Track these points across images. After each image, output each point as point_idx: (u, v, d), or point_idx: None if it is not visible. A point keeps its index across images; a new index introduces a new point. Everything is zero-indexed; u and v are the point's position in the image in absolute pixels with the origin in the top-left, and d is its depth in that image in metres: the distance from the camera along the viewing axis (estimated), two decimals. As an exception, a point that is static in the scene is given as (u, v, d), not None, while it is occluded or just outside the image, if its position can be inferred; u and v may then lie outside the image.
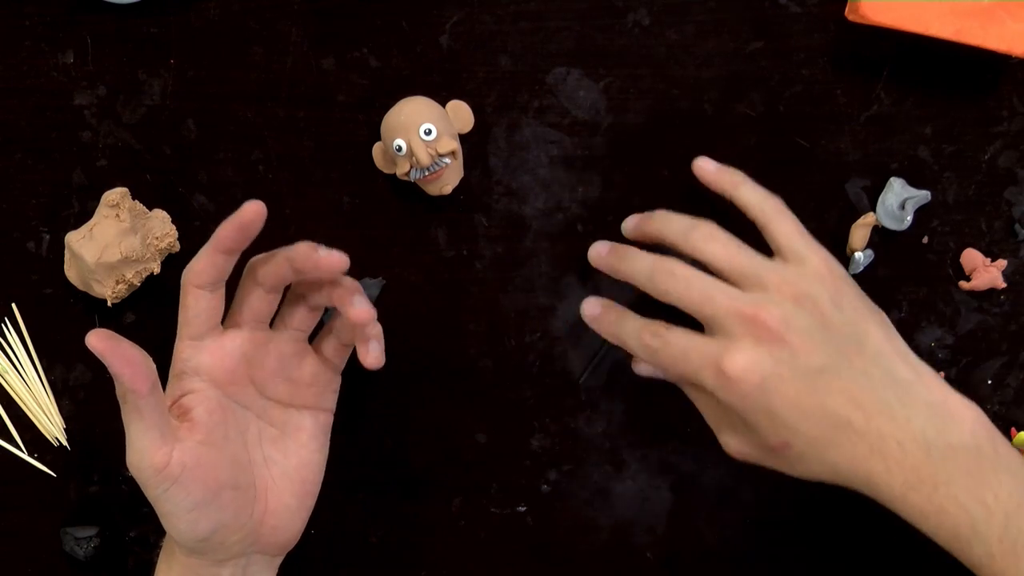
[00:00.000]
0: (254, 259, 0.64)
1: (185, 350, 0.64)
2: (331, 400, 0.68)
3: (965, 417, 0.60)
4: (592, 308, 0.67)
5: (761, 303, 0.60)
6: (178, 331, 0.64)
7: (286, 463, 0.66)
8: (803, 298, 0.61)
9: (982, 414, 0.60)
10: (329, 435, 0.68)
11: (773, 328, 0.59)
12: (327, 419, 0.68)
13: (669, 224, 0.66)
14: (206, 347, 0.64)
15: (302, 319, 0.66)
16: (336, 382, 0.68)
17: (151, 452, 0.60)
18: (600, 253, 0.68)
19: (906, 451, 0.58)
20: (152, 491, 0.61)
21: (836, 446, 0.59)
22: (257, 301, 0.64)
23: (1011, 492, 0.58)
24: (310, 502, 0.68)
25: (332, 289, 0.64)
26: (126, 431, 0.60)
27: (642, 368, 0.68)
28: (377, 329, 0.64)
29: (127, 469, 0.72)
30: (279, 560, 0.68)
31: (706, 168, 0.67)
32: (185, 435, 0.61)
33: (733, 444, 0.63)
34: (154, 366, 0.59)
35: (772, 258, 0.64)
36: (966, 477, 0.58)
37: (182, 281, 0.63)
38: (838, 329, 0.61)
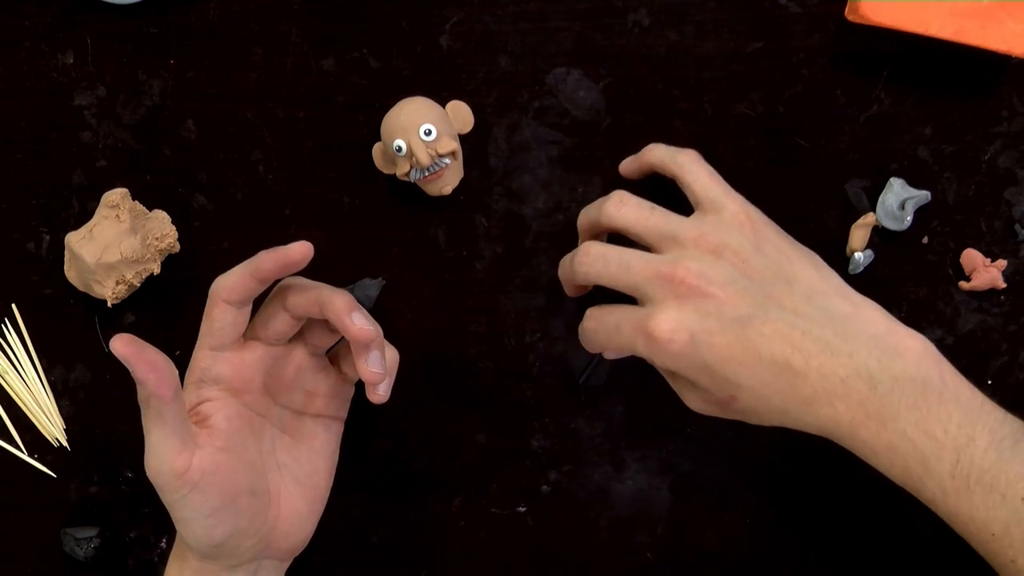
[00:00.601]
0: (286, 283, 0.64)
1: (205, 359, 0.64)
2: (344, 409, 0.69)
3: (910, 348, 0.58)
4: (584, 320, 0.66)
5: (678, 260, 0.60)
6: (199, 339, 0.64)
7: (299, 469, 0.67)
8: (722, 248, 0.60)
9: (929, 344, 0.59)
10: (339, 442, 0.69)
11: (692, 284, 0.59)
12: (339, 427, 0.69)
13: (589, 208, 0.66)
14: (226, 358, 0.64)
15: (321, 338, 0.66)
16: (350, 393, 0.69)
17: (172, 457, 0.60)
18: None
19: (850, 387, 0.56)
20: (170, 496, 0.61)
21: (779, 392, 0.57)
22: (281, 324, 0.64)
23: (960, 424, 0.56)
24: (320, 507, 0.68)
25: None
26: (146, 436, 0.60)
27: (611, 353, 0.68)
28: (388, 367, 0.64)
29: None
30: (287, 564, 0.68)
31: (626, 166, 0.70)
32: (204, 441, 0.62)
33: (692, 402, 0.62)
34: (176, 372, 0.59)
35: (691, 216, 0.63)
36: (913, 410, 0.56)
37: (211, 292, 0.63)
38: (762, 274, 0.60)
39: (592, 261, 0.62)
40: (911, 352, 0.58)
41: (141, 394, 0.59)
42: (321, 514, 0.68)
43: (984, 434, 0.56)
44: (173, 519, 0.62)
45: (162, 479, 0.60)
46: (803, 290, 0.60)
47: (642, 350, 0.60)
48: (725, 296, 0.58)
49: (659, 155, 0.67)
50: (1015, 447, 0.56)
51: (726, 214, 0.62)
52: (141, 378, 0.58)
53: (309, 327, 0.66)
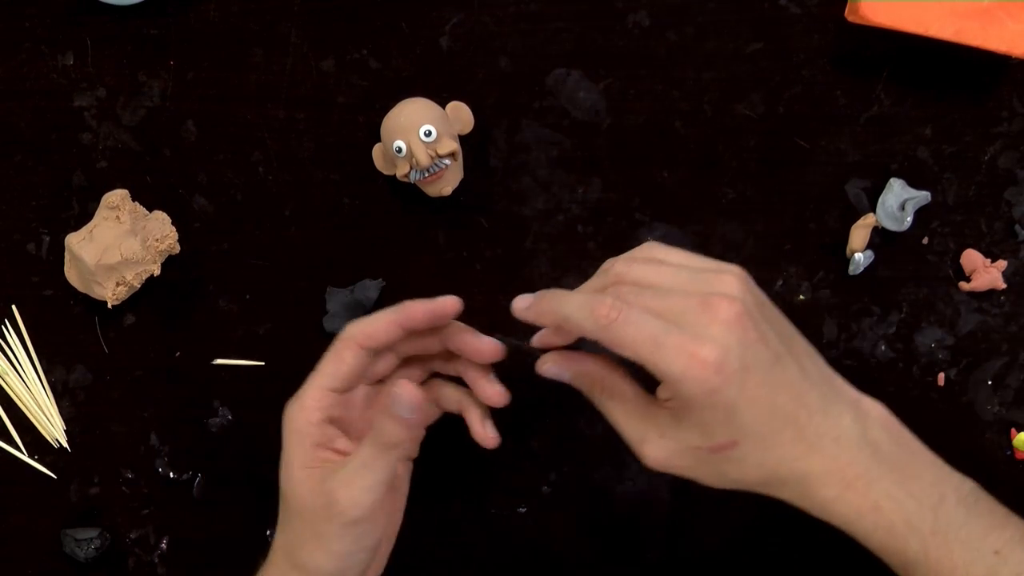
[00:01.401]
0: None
1: (326, 397, 0.63)
2: (416, 450, 0.68)
3: (877, 413, 0.59)
4: (523, 300, 0.61)
5: (716, 291, 0.57)
6: (316, 378, 0.63)
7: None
8: (744, 289, 0.58)
9: (886, 409, 0.60)
10: (409, 479, 0.68)
11: (737, 312, 0.56)
12: (410, 465, 0.68)
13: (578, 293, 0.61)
14: (341, 399, 0.63)
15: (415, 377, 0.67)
16: (421, 434, 0.68)
17: (380, 490, 0.60)
18: (522, 307, 0.62)
19: (841, 448, 0.57)
20: (351, 528, 0.60)
21: (778, 445, 0.57)
22: (385, 363, 0.65)
23: (932, 484, 0.58)
24: (393, 542, 0.67)
25: (469, 370, 0.64)
26: (362, 467, 0.60)
27: (549, 368, 0.62)
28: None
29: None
30: None
31: (517, 308, 0.62)
32: None
33: (657, 452, 0.58)
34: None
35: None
36: (893, 472, 0.57)
37: (345, 335, 0.62)
38: (774, 321, 0.59)
39: (628, 291, 0.58)
40: (879, 417, 0.59)
41: (392, 434, 0.59)
42: (392, 548, 0.67)
43: (951, 492, 0.58)
44: (319, 551, 0.61)
45: (362, 512, 0.60)
46: (801, 347, 0.60)
47: (676, 371, 0.55)
48: (757, 335, 0.56)
49: (567, 313, 0.59)
50: (977, 504, 0.58)
51: (728, 273, 0.59)
52: (410, 422, 0.59)
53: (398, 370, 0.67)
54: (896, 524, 0.57)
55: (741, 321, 0.56)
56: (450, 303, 0.62)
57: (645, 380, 0.59)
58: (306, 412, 0.62)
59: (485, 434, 0.64)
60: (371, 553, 0.63)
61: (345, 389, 0.63)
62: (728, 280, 0.58)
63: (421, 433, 0.67)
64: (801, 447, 0.57)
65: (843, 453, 0.57)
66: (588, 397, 0.62)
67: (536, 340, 0.63)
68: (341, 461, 0.62)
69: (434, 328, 0.64)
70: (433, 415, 0.67)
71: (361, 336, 0.62)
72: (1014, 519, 0.59)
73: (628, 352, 0.56)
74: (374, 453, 0.60)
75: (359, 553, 0.62)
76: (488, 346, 0.63)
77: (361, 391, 0.66)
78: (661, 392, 0.59)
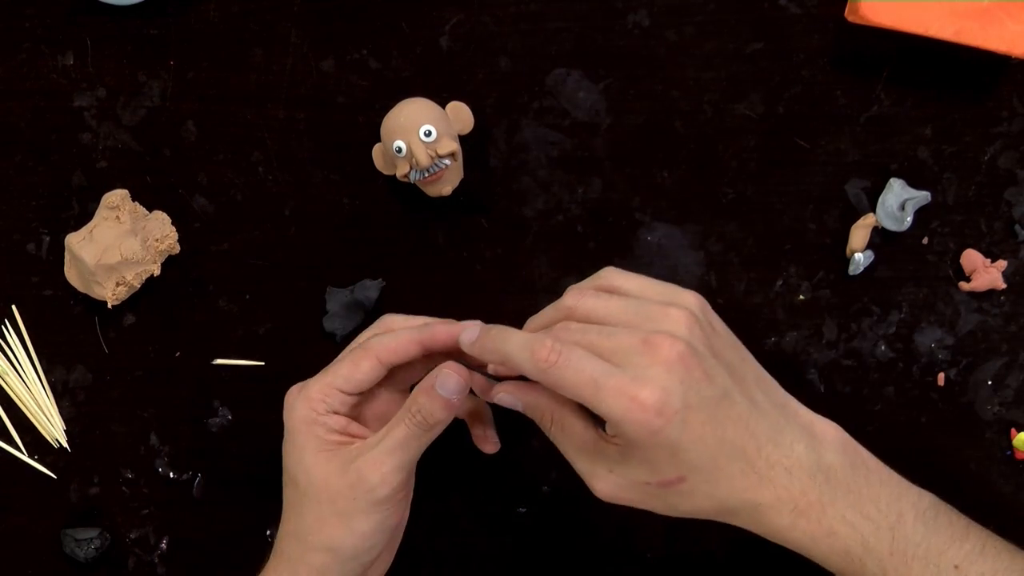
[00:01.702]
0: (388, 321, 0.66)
1: (333, 396, 0.63)
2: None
3: (831, 436, 0.59)
4: (470, 333, 0.61)
5: (661, 329, 0.56)
6: (329, 374, 0.64)
7: None
8: (691, 325, 0.57)
9: (842, 430, 0.60)
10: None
11: (679, 352, 0.55)
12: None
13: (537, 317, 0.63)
14: (349, 400, 0.64)
15: (411, 374, 0.67)
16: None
17: (405, 469, 0.62)
18: (468, 340, 0.61)
19: (793, 477, 0.57)
20: (378, 505, 0.61)
21: (728, 478, 0.57)
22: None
23: (888, 503, 0.58)
24: (395, 545, 0.68)
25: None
26: (393, 445, 0.61)
27: (503, 398, 0.62)
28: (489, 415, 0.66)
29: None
30: None
31: (464, 342, 0.61)
32: None
33: (606, 487, 0.59)
34: None
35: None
36: (848, 495, 0.58)
37: (366, 345, 0.63)
38: (722, 355, 0.58)
39: (574, 330, 0.58)
40: (834, 440, 0.59)
41: (435, 414, 0.61)
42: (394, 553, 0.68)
43: (909, 509, 0.58)
44: (341, 530, 0.62)
45: (392, 490, 0.61)
46: (753, 376, 0.59)
47: (617, 414, 0.55)
48: (702, 372, 0.56)
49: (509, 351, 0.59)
50: (936, 519, 0.59)
51: (683, 300, 0.59)
52: (454, 404, 0.61)
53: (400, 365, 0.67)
54: (852, 548, 0.58)
55: (684, 360, 0.55)
56: (472, 332, 0.61)
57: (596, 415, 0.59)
58: (312, 403, 0.63)
59: (487, 439, 0.66)
60: (388, 536, 0.64)
61: (354, 393, 0.64)
62: (675, 315, 0.57)
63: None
64: (751, 479, 0.57)
65: (795, 483, 0.57)
66: (541, 427, 0.62)
67: (491, 368, 0.63)
68: (363, 443, 0.62)
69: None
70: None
71: (383, 351, 0.63)
72: (975, 529, 0.59)
73: (569, 394, 0.57)
74: (411, 433, 0.61)
75: (380, 534, 0.63)
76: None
77: (388, 400, 0.67)
78: (608, 429, 0.59)
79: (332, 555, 0.62)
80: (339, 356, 0.65)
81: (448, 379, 0.61)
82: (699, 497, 0.58)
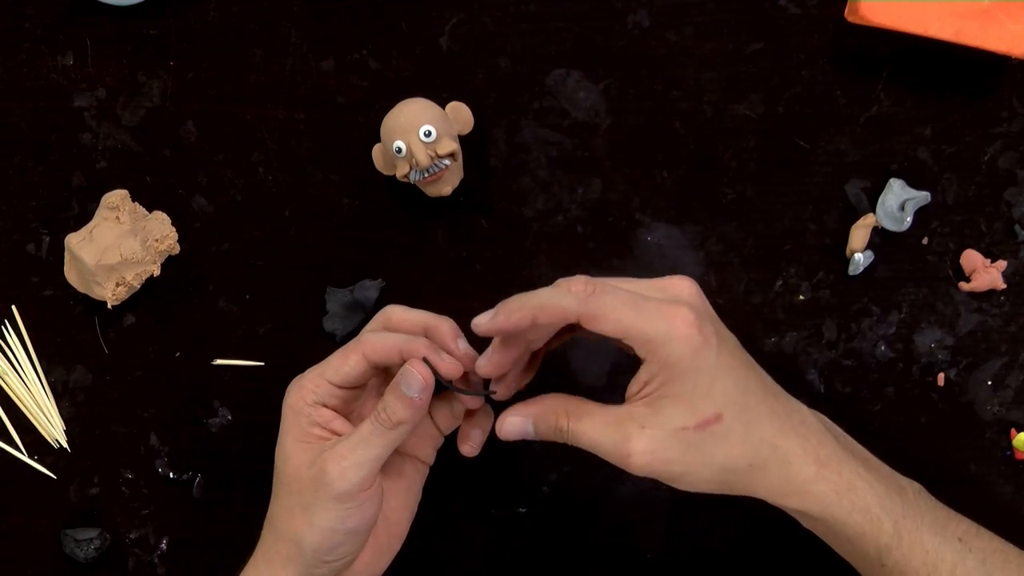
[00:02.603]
0: (389, 312, 0.66)
1: (322, 386, 0.64)
2: (431, 455, 0.68)
3: (822, 416, 0.62)
4: (483, 315, 0.60)
5: (671, 279, 0.60)
6: (323, 368, 0.64)
7: (387, 505, 0.66)
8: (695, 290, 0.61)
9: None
10: (422, 486, 0.69)
11: (697, 291, 0.59)
12: (425, 471, 0.68)
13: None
14: (345, 395, 0.64)
15: None
16: (439, 440, 0.68)
17: (373, 469, 0.61)
18: (485, 319, 0.60)
19: (810, 429, 0.59)
20: (342, 503, 0.61)
21: (758, 419, 0.58)
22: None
23: (890, 475, 0.61)
24: (397, 546, 0.68)
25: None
26: (361, 445, 0.61)
27: (511, 424, 0.62)
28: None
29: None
30: None
31: (481, 324, 0.60)
32: None
33: (644, 444, 0.57)
34: None
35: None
36: (854, 457, 0.60)
37: (358, 339, 0.64)
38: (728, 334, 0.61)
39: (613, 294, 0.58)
40: (825, 418, 0.63)
41: (396, 412, 0.61)
42: (395, 554, 0.68)
43: (907, 485, 0.61)
44: (303, 522, 0.62)
45: (350, 486, 0.61)
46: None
47: (661, 331, 0.56)
48: (715, 314, 0.60)
49: (540, 302, 0.58)
50: (930, 499, 0.62)
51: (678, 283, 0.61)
52: (417, 404, 0.61)
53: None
54: (871, 505, 0.59)
55: (701, 297, 0.59)
56: (478, 317, 0.60)
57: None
58: (303, 392, 0.64)
59: (468, 438, 0.66)
60: (355, 539, 0.63)
61: (342, 386, 0.64)
62: (677, 281, 0.60)
63: (439, 439, 0.68)
64: (777, 424, 0.58)
65: (812, 434, 0.59)
66: (555, 437, 0.61)
67: (481, 364, 0.62)
68: (337, 438, 0.63)
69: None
70: (451, 424, 0.67)
71: (370, 348, 0.63)
72: (964, 520, 0.62)
73: (609, 321, 0.57)
74: (373, 430, 0.61)
75: (342, 533, 0.62)
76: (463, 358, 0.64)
77: (372, 383, 0.66)
78: (637, 381, 0.58)
79: (296, 547, 0.62)
80: (339, 348, 0.66)
81: (412, 378, 0.61)
82: (733, 442, 0.58)
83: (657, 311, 0.57)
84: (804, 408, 0.61)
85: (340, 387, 0.64)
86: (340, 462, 0.61)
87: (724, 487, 0.60)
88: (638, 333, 0.57)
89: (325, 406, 0.64)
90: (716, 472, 0.59)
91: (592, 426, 0.60)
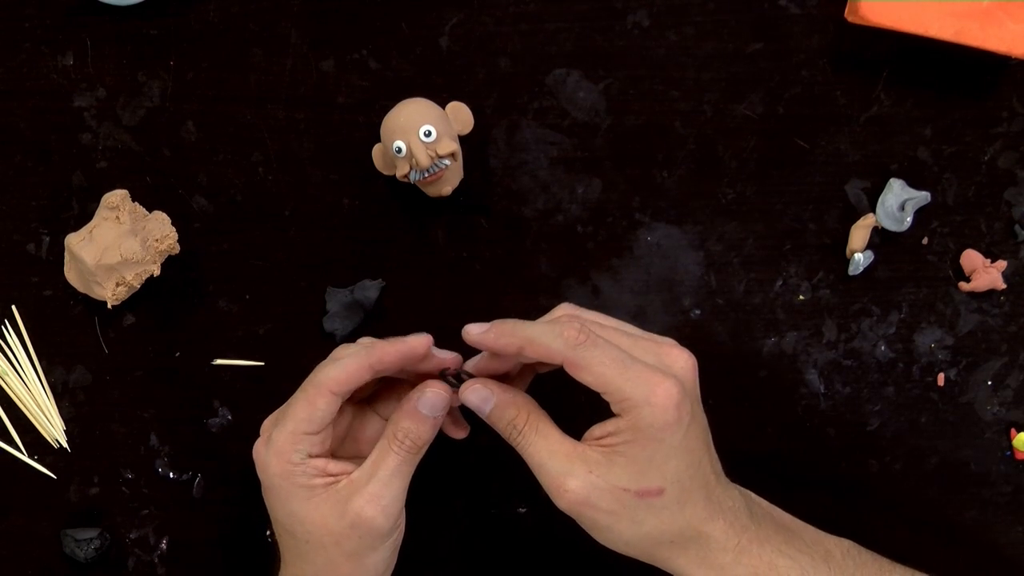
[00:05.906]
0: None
1: (301, 441, 0.61)
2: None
3: (751, 494, 0.63)
4: (477, 326, 0.61)
5: (666, 345, 0.60)
6: (288, 422, 0.61)
7: None
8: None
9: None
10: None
11: (692, 366, 0.60)
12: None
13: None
14: (316, 439, 0.62)
15: (365, 387, 0.66)
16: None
17: (401, 499, 0.61)
18: (477, 331, 0.61)
19: (736, 516, 0.60)
20: (381, 538, 0.61)
21: (694, 503, 0.59)
22: (363, 388, 0.64)
23: (814, 542, 0.62)
24: (401, 536, 0.66)
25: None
26: (386, 478, 0.61)
27: (474, 391, 0.62)
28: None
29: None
30: None
31: (471, 332, 0.61)
32: None
33: (580, 487, 0.58)
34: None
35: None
36: (779, 533, 0.61)
37: (316, 381, 0.61)
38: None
39: (591, 323, 0.60)
40: (754, 496, 0.64)
41: (421, 436, 0.61)
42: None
43: (834, 547, 0.62)
44: (352, 569, 0.61)
45: (393, 521, 0.61)
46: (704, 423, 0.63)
47: (640, 396, 0.57)
48: (698, 397, 0.60)
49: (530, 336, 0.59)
50: (860, 556, 0.63)
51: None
52: (439, 422, 0.62)
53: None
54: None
55: (694, 373, 0.59)
56: (420, 341, 0.61)
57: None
58: (283, 455, 0.61)
59: (456, 424, 0.66)
60: (395, 555, 0.64)
61: (319, 431, 0.62)
62: (677, 351, 0.60)
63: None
64: (708, 509, 0.59)
65: (737, 520, 0.60)
66: (506, 431, 0.61)
67: (471, 364, 0.63)
68: (350, 480, 0.61)
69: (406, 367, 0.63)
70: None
71: (332, 383, 0.61)
72: (898, 568, 0.63)
73: (593, 374, 0.58)
74: (402, 460, 0.61)
75: (390, 560, 0.63)
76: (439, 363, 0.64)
77: (346, 415, 0.65)
78: (602, 427, 0.59)
79: None
80: (293, 396, 0.63)
81: (435, 398, 0.61)
82: (666, 516, 0.58)
83: (643, 376, 0.57)
84: (736, 491, 0.62)
85: (314, 433, 0.61)
86: (378, 502, 0.60)
87: (643, 555, 0.61)
88: (617, 391, 0.57)
89: (312, 456, 0.61)
90: (639, 538, 0.59)
91: (545, 445, 0.60)
